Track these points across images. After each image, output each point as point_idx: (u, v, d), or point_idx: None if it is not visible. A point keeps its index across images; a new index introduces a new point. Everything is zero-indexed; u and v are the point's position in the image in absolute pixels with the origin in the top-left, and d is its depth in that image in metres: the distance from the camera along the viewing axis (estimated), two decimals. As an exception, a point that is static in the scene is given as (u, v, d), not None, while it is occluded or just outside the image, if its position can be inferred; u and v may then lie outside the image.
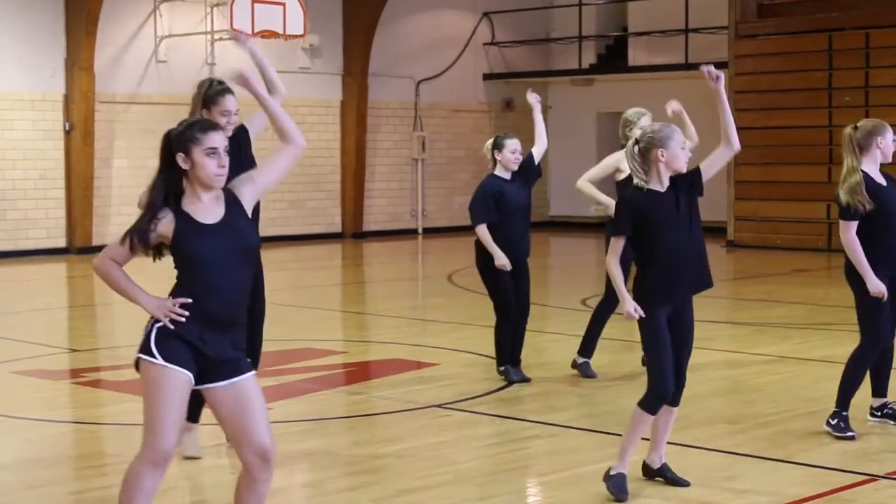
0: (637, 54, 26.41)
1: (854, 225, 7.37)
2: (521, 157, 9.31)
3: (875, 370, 7.85)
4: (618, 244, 6.26)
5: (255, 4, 20.03)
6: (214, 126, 5.02)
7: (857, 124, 7.60)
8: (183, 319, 4.86)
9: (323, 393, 8.99)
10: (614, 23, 27.60)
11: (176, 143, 4.94)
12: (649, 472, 6.58)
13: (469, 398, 8.80)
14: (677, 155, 6.22)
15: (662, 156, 6.20)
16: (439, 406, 8.54)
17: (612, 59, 27.20)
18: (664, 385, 6.21)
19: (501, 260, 9.03)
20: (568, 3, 26.94)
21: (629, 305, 6.16)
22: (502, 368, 9.34)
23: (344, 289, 17.00)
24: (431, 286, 17.40)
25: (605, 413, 8.29)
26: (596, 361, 9.78)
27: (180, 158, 4.93)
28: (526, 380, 9.24)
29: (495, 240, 9.05)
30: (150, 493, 4.91)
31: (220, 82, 7.03)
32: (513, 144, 9.29)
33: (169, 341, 4.87)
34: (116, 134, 21.32)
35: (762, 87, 22.19)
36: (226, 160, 4.97)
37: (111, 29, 21.16)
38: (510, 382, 9.17)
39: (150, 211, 4.95)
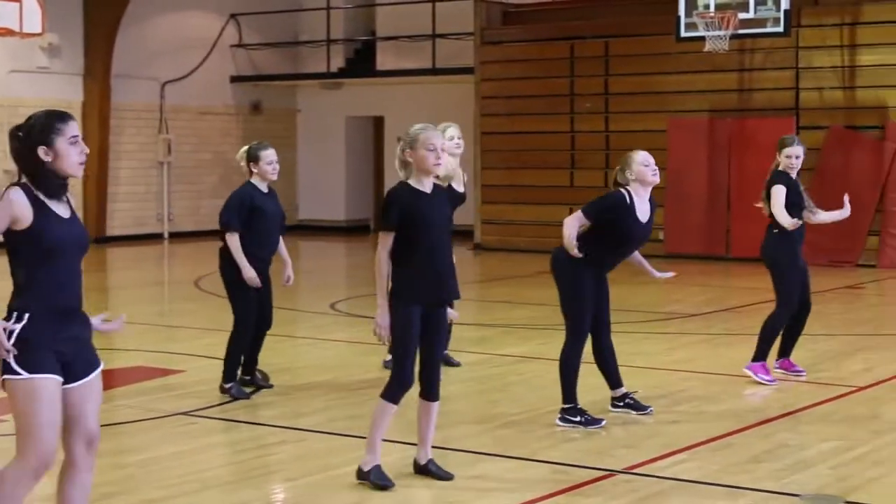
0: (385, 59, 26.63)
1: None
2: (277, 167, 9.11)
3: (601, 365, 8.27)
4: (387, 239, 6.36)
5: (-10, 0, 19.28)
6: (71, 115, 5.01)
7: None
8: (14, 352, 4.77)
9: (63, 403, 8.73)
10: (362, 27, 27.75)
11: (36, 137, 4.87)
12: (417, 468, 6.77)
13: (216, 405, 8.71)
14: (423, 157, 6.39)
15: (410, 156, 6.40)
16: (185, 413, 8.42)
17: (361, 62, 27.35)
18: (407, 375, 6.44)
19: (249, 273, 8.81)
20: (316, 7, 26.94)
21: (383, 320, 6.35)
22: (227, 386, 8.96)
23: (86, 295, 16.54)
24: (178, 291, 17.13)
25: (352, 416, 8.33)
26: (342, 366, 9.80)
27: (42, 151, 4.87)
28: (247, 396, 8.95)
29: (245, 242, 8.89)
30: (22, 500, 4.90)
31: None
32: (269, 155, 9.00)
33: (30, 353, 4.79)
34: None
35: (507, 92, 22.70)
36: (86, 149, 4.99)
37: None
38: (234, 399, 8.88)
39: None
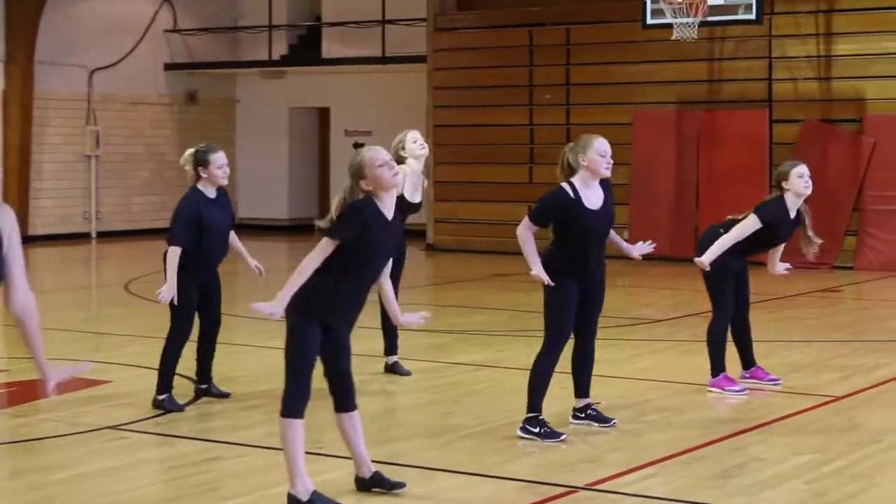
0: (331, 46, 26.58)
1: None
2: (228, 171, 9.08)
3: (576, 370, 8.25)
4: (329, 248, 6.27)
5: None
6: None
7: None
8: None
9: (-19, 416, 8.65)
10: (307, 12, 27.69)
11: None
12: (363, 485, 6.68)
13: (147, 418, 8.64)
14: (378, 176, 6.31)
15: (367, 185, 6.33)
16: (114, 427, 8.35)
17: (305, 50, 27.28)
18: (304, 387, 6.34)
19: (167, 293, 8.69)
20: (256, -11, 26.87)
21: (277, 308, 6.25)
22: (161, 398, 8.90)
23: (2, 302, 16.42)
24: (106, 296, 17.00)
25: (295, 430, 8.28)
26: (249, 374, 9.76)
27: None
28: (181, 408, 8.89)
29: (190, 255, 8.79)
30: None
31: None
32: (219, 159, 8.96)
33: None
34: None
35: (461, 82, 22.70)
36: None
37: None
38: (167, 411, 8.81)
39: None
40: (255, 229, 27.12)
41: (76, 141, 25.20)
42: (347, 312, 6.45)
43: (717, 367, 9.56)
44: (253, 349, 11.83)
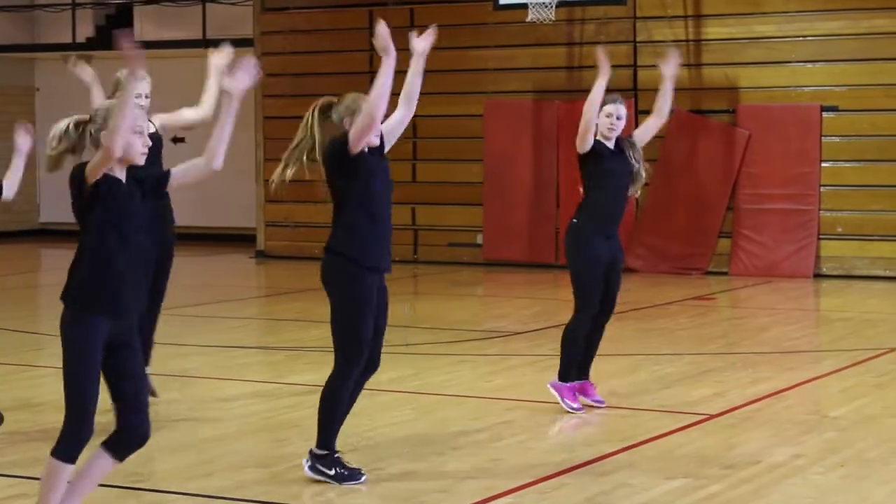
0: (145, 27, 26.31)
1: None
2: None
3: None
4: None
5: None
6: None
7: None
8: None
9: None
10: (117, -12, 27.38)
11: None
12: None
13: (-64, 452, 8.48)
14: (130, 142, 5.92)
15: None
16: None
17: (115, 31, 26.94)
18: (86, 423, 5.90)
19: None
20: (59, -37, 26.51)
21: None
22: None
23: None
24: None
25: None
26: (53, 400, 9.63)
27: None
28: None
29: None
30: None
31: None
32: None
33: None
34: None
35: (294, 69, 22.64)
36: None
37: None
38: None
39: None
40: (59, 235, 26.66)
41: None
42: (124, 296, 5.87)
43: (565, 373, 9.57)
44: (59, 372, 11.65)
